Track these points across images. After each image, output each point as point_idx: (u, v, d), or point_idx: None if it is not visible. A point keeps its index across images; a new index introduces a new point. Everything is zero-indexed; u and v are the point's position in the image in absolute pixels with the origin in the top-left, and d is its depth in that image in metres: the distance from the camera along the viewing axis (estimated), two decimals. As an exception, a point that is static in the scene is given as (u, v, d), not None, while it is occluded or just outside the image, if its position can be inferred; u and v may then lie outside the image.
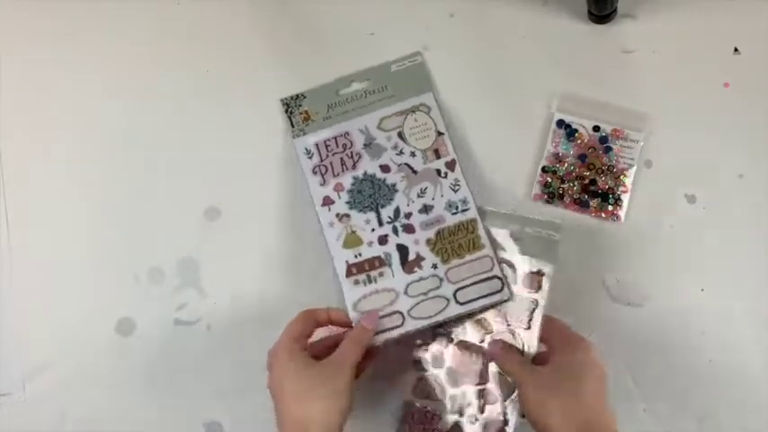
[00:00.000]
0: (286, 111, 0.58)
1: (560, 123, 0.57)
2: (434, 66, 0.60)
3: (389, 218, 0.55)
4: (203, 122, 0.59)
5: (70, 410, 0.56)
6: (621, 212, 0.56)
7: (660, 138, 0.57)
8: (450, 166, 0.56)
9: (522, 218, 0.54)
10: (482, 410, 0.52)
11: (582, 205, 0.57)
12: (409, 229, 0.55)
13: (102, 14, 0.61)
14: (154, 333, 0.56)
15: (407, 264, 0.54)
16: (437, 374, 0.53)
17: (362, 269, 0.54)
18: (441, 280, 0.54)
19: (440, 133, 0.57)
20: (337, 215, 0.55)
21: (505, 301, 0.53)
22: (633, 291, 0.56)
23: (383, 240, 0.55)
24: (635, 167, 0.57)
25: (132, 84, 0.60)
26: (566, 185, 0.57)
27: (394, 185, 0.56)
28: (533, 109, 0.58)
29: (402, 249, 0.55)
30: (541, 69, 0.59)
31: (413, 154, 0.57)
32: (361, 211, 0.56)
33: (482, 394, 0.52)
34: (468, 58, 0.60)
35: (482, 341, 0.53)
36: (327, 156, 0.57)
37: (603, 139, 0.57)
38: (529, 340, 0.51)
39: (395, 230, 0.55)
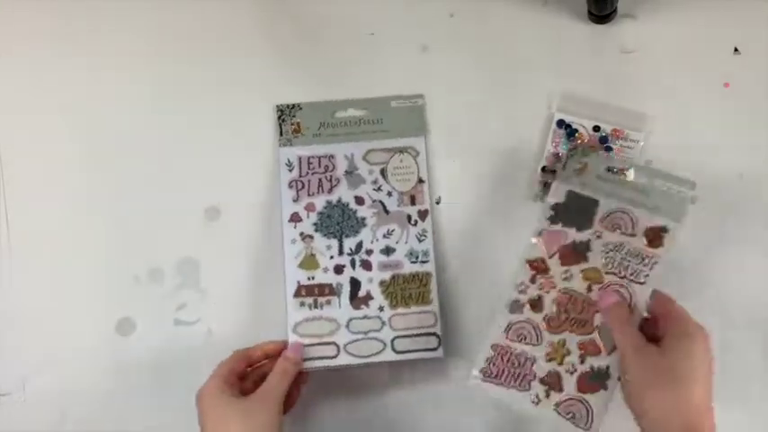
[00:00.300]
0: (279, 117, 0.58)
1: (560, 123, 0.57)
2: (434, 66, 0.60)
3: (351, 249, 0.56)
4: (203, 122, 0.59)
5: (70, 410, 0.56)
6: None
7: (660, 138, 0.57)
8: (423, 215, 0.57)
9: (654, 170, 0.52)
10: (582, 361, 0.50)
11: None
12: (367, 265, 0.56)
13: (103, 14, 0.61)
14: (154, 333, 0.57)
15: (356, 299, 0.55)
16: (535, 319, 0.51)
17: (311, 292, 0.55)
18: (383, 323, 0.55)
19: (421, 180, 0.57)
20: (301, 234, 0.56)
21: (437, 358, 0.55)
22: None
23: (339, 270, 0.56)
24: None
25: (132, 84, 0.60)
26: None
27: (363, 219, 0.56)
28: (533, 109, 0.58)
29: (355, 283, 0.55)
30: (541, 69, 0.59)
31: (389, 193, 0.57)
32: (325, 235, 0.56)
33: (584, 345, 0.50)
34: (468, 58, 0.60)
35: (589, 289, 0.50)
36: (307, 173, 0.57)
37: (603, 139, 0.57)
38: (639, 296, 0.49)
39: (353, 263, 0.56)
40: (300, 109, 0.58)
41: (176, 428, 0.54)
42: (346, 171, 0.57)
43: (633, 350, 0.45)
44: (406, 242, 0.56)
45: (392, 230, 0.56)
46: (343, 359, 0.54)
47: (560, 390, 0.49)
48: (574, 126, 0.57)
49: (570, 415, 0.49)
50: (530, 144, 0.58)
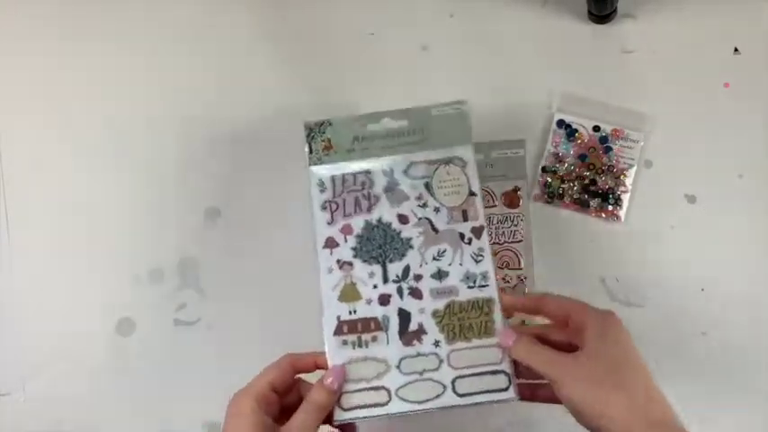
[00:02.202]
0: (308, 135, 0.52)
1: (560, 123, 0.58)
2: (434, 66, 0.60)
3: (397, 276, 0.48)
4: (203, 122, 0.59)
5: (70, 410, 0.55)
6: (621, 212, 0.57)
7: (660, 138, 0.57)
8: (477, 232, 0.49)
9: (488, 144, 0.55)
10: None
11: (582, 205, 0.57)
12: (416, 293, 0.48)
13: (104, 15, 0.61)
14: (154, 333, 0.56)
15: (407, 334, 0.47)
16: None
17: (355, 329, 0.47)
18: (441, 361, 0.46)
19: (472, 193, 0.50)
20: (338, 261, 0.49)
21: (509, 400, 0.45)
22: (633, 291, 0.56)
23: (384, 300, 0.48)
24: (635, 167, 0.57)
25: (132, 84, 0.60)
26: (566, 185, 0.57)
27: (409, 240, 0.49)
28: (533, 109, 0.59)
29: (404, 315, 0.47)
30: (541, 69, 0.59)
31: (437, 210, 0.50)
32: (366, 261, 0.49)
33: None
34: (468, 58, 0.60)
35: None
36: (342, 192, 0.50)
37: (603, 139, 0.57)
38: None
39: (400, 292, 0.48)
40: (330, 125, 0.52)
41: (176, 428, 0.54)
42: (386, 188, 0.50)
43: (561, 370, 0.41)
44: (461, 264, 0.48)
45: (443, 251, 0.49)
46: (396, 406, 0.45)
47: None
48: (574, 126, 0.57)
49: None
50: (530, 144, 0.58)
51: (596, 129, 0.57)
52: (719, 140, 0.57)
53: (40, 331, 0.56)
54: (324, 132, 0.52)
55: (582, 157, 0.57)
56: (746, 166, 0.56)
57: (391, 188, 0.50)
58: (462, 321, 0.47)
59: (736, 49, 0.58)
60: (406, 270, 0.48)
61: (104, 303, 0.56)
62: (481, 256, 0.49)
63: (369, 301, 0.48)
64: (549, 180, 0.57)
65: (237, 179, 0.58)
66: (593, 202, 0.57)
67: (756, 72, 0.57)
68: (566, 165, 0.57)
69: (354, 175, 0.51)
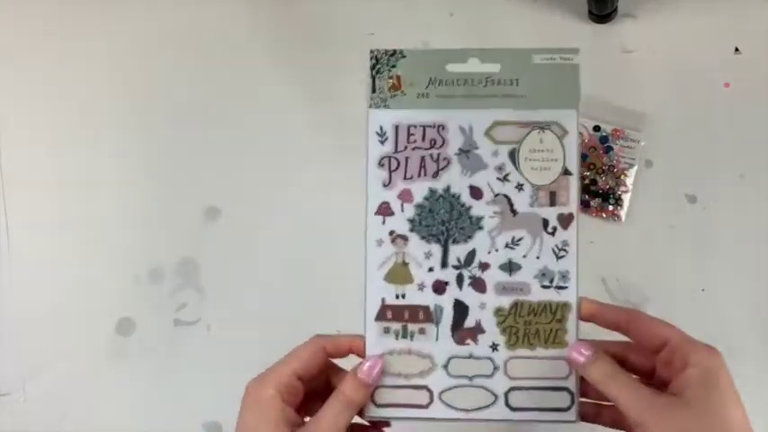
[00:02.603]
0: (373, 67, 0.42)
1: None
2: None
3: (459, 261, 0.40)
4: (203, 122, 0.59)
5: (70, 410, 0.55)
6: (622, 212, 0.56)
7: (661, 138, 0.57)
8: (565, 221, 0.40)
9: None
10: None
11: (582, 205, 0.56)
12: (479, 284, 0.40)
13: (104, 15, 0.61)
14: (154, 333, 0.56)
15: (461, 330, 0.40)
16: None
17: (400, 316, 0.40)
18: (496, 368, 0.40)
19: (567, 172, 0.40)
20: (391, 233, 0.40)
21: (568, 422, 0.39)
22: (633, 291, 0.55)
23: (440, 288, 0.40)
24: (635, 167, 0.57)
25: (132, 83, 0.60)
26: None
27: (480, 220, 0.40)
28: None
29: (460, 309, 0.40)
30: None
31: (520, 187, 0.40)
32: (424, 238, 0.40)
33: None
34: None
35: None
36: (406, 147, 0.41)
37: (604, 139, 0.57)
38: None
39: (459, 280, 0.40)
40: (403, 56, 0.41)
41: (176, 428, 0.54)
42: (461, 149, 0.41)
43: (651, 415, 0.34)
44: (538, 257, 0.40)
45: (519, 239, 0.40)
46: (438, 411, 0.39)
47: None
48: None
49: None
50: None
51: (597, 129, 0.57)
52: (720, 140, 0.56)
53: (39, 331, 0.56)
54: (394, 66, 0.41)
55: (582, 157, 0.57)
56: (747, 166, 0.56)
57: (467, 151, 0.41)
58: (529, 325, 0.40)
59: (736, 49, 0.57)
60: (471, 255, 0.40)
61: (104, 303, 0.56)
62: (565, 251, 0.40)
63: (421, 286, 0.40)
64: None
65: (237, 179, 0.57)
66: (594, 202, 0.56)
67: (757, 72, 0.57)
68: (566, 164, 0.56)
69: (424, 127, 0.41)
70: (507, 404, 0.39)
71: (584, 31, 0.59)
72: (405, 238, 0.40)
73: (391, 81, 0.41)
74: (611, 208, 0.56)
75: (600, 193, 0.56)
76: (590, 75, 0.54)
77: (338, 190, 0.55)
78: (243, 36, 0.60)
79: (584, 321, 0.40)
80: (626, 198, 0.56)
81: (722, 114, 0.57)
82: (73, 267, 0.57)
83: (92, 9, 0.61)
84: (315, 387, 0.40)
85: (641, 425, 0.34)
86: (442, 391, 0.39)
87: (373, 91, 0.41)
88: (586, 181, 0.56)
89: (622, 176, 0.56)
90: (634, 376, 0.37)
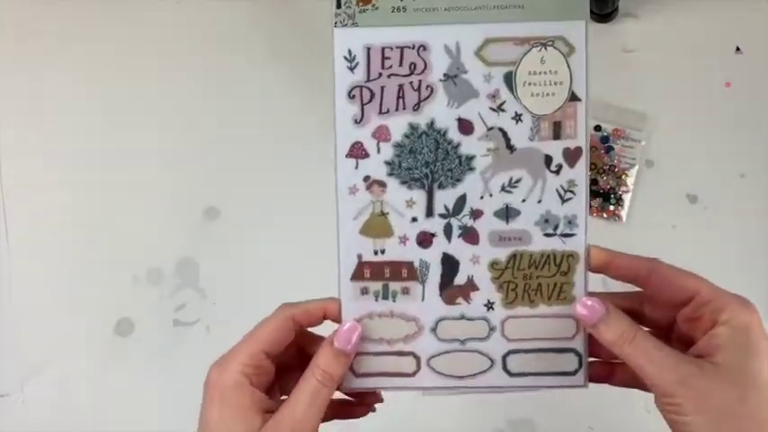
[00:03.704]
0: (336, -25, 0.34)
1: None
2: None
3: (446, 209, 0.34)
4: (203, 122, 0.59)
5: (69, 411, 0.55)
6: (623, 212, 0.56)
7: (662, 137, 0.57)
8: (572, 157, 0.34)
9: None
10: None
11: None
12: (471, 235, 0.34)
13: (104, 15, 0.60)
14: (153, 334, 0.56)
15: (450, 288, 0.34)
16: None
17: (380, 275, 0.34)
18: (492, 329, 0.35)
19: (575, 97, 0.34)
20: (366, 179, 0.34)
21: (576, 387, 0.35)
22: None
23: (425, 240, 0.34)
24: (636, 167, 0.57)
25: (131, 84, 0.59)
26: None
27: (471, 160, 0.34)
28: None
29: (449, 263, 0.34)
30: None
31: (518, 117, 0.34)
32: (405, 183, 0.34)
33: None
34: None
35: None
36: (380, 75, 0.34)
37: (605, 139, 0.57)
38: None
39: (448, 231, 0.34)
40: (373, -38, 0.34)
41: (176, 429, 0.49)
42: (446, 74, 0.34)
43: (680, 383, 0.29)
44: (540, 201, 0.34)
45: (518, 180, 0.34)
46: (426, 379, 0.35)
47: None
48: None
49: None
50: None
51: (597, 128, 0.57)
52: (721, 140, 0.56)
53: (39, 331, 0.56)
54: (362, -26, 0.34)
55: None
56: (748, 166, 0.56)
57: (454, 76, 0.34)
58: (529, 280, 0.34)
59: (737, 49, 0.57)
60: (461, 201, 0.34)
61: (103, 303, 0.56)
62: (571, 192, 0.34)
63: (403, 239, 0.34)
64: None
65: (237, 179, 0.57)
66: (595, 202, 0.56)
67: (758, 71, 0.57)
68: (567, 164, 0.56)
69: (401, 49, 0.34)
70: (505, 369, 0.35)
71: None
72: (382, 185, 0.34)
73: (360, -8, 0.34)
74: (611, 208, 0.56)
75: (601, 193, 0.56)
76: (590, 74, 0.53)
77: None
78: (242, 35, 0.60)
79: (595, 273, 0.34)
80: (627, 198, 0.56)
81: (723, 114, 0.56)
82: (72, 268, 0.56)
83: (91, 9, 0.61)
84: (288, 360, 0.35)
85: (669, 396, 0.29)
86: (431, 357, 0.35)
87: (338, 6, 0.34)
88: None
89: (623, 176, 0.56)
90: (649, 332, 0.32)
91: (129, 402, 0.55)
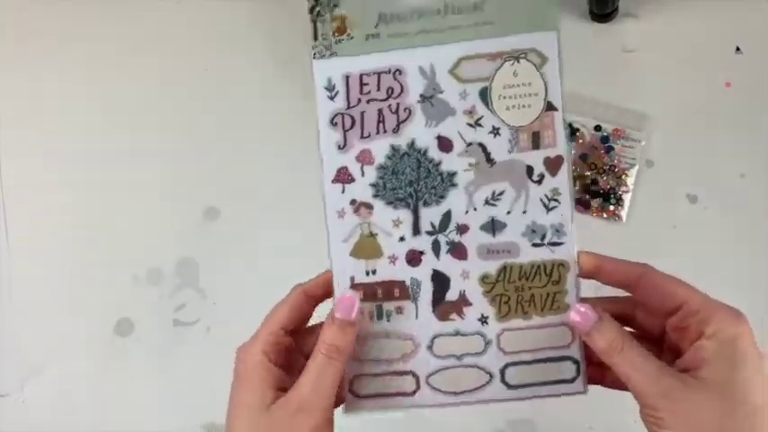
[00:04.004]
0: (311, 10, 0.35)
1: None
2: None
3: (432, 226, 0.35)
4: (203, 122, 0.58)
5: (69, 411, 0.55)
6: (623, 212, 0.56)
7: (662, 137, 0.57)
8: (553, 166, 0.34)
9: None
10: None
11: (583, 205, 0.56)
12: (459, 251, 0.35)
13: (104, 16, 0.60)
14: (153, 334, 0.56)
15: (443, 305, 0.35)
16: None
17: (373, 295, 0.35)
18: (488, 343, 0.35)
19: (551, 107, 0.34)
20: (353, 203, 0.35)
21: (576, 394, 0.34)
22: None
23: (414, 259, 0.35)
24: (636, 167, 0.57)
25: (131, 84, 0.59)
26: None
27: (452, 176, 0.35)
28: None
29: (440, 280, 0.35)
30: None
31: (496, 131, 0.34)
32: (390, 203, 0.35)
33: None
34: None
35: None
36: (359, 101, 0.35)
37: (605, 139, 0.57)
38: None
39: (436, 248, 0.35)
40: (345, -6, 0.35)
41: (175, 429, 0.54)
42: (423, 95, 0.35)
43: (662, 396, 0.29)
44: (525, 211, 0.34)
45: (501, 193, 0.34)
46: (426, 397, 0.35)
47: None
48: (575, 126, 0.57)
49: None
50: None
51: (597, 128, 0.57)
52: (721, 140, 0.56)
53: (39, 331, 0.56)
54: (336, 5, 0.35)
55: (583, 157, 0.57)
56: (748, 166, 0.56)
57: (430, 97, 0.35)
58: (521, 292, 0.34)
59: (737, 49, 0.57)
60: (446, 218, 0.35)
61: (103, 303, 0.56)
62: (556, 201, 0.34)
63: (392, 259, 0.35)
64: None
65: (237, 179, 0.57)
66: (595, 202, 0.56)
67: (758, 71, 0.57)
68: (567, 165, 0.57)
69: (378, 74, 0.35)
70: (504, 382, 0.34)
71: (585, 30, 0.58)
72: (369, 206, 0.35)
73: (335, 24, 0.35)
74: (611, 208, 0.56)
75: (601, 193, 0.56)
76: (591, 74, 0.57)
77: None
78: (242, 34, 0.59)
79: (586, 278, 0.34)
80: (627, 198, 0.56)
81: (723, 114, 0.56)
82: (72, 268, 0.56)
83: (91, 9, 0.61)
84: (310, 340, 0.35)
85: (652, 409, 0.29)
86: (429, 375, 0.35)
87: (315, 38, 0.35)
88: (587, 181, 0.56)
89: (623, 176, 0.56)
90: (638, 342, 0.31)
91: (129, 402, 0.54)
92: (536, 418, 0.51)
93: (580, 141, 0.57)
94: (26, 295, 0.57)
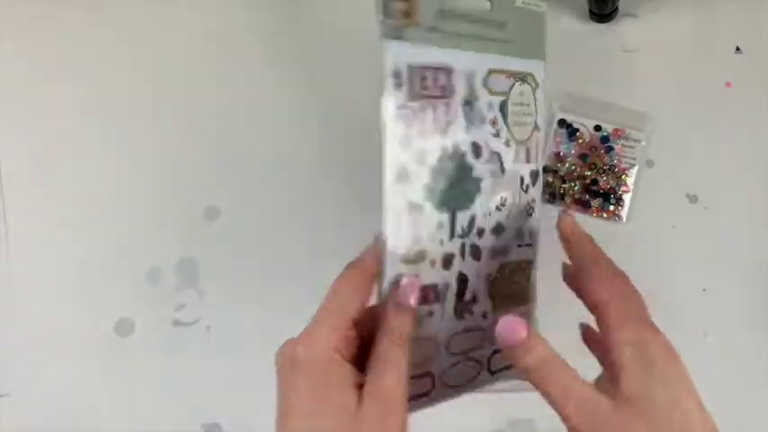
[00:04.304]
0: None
1: (561, 123, 0.57)
2: None
3: (462, 230, 0.35)
4: (203, 122, 0.57)
5: (69, 411, 0.55)
6: (623, 212, 0.57)
7: (662, 137, 0.56)
8: (534, 178, 0.39)
9: None
10: None
11: (583, 205, 0.57)
12: (477, 253, 0.36)
13: (103, 16, 0.59)
14: (153, 334, 0.55)
15: (460, 304, 0.36)
16: None
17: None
18: (485, 337, 0.37)
19: (536, 127, 0.39)
20: (409, 205, 0.32)
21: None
22: None
23: (448, 262, 0.35)
24: (636, 167, 0.57)
25: (131, 84, 0.58)
26: (567, 185, 0.56)
27: (479, 181, 0.36)
28: None
29: (462, 282, 0.36)
30: None
31: (507, 143, 0.37)
32: (437, 206, 0.34)
33: None
34: None
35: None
36: (419, 95, 0.32)
37: (605, 139, 0.57)
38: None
39: (462, 250, 0.35)
40: (411, -21, 0.31)
41: (175, 429, 0.54)
42: (466, 99, 0.34)
43: (586, 417, 0.29)
44: (516, 217, 0.38)
45: (504, 200, 0.37)
46: (438, 395, 0.35)
47: None
48: (575, 126, 0.57)
49: None
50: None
51: (597, 128, 0.57)
52: (721, 140, 0.56)
53: (39, 331, 0.55)
54: (404, -14, 0.31)
55: (583, 157, 0.56)
56: (748, 166, 0.56)
57: (470, 102, 0.35)
58: (508, 288, 0.38)
59: (737, 49, 0.57)
60: (472, 222, 0.35)
61: (103, 303, 0.55)
62: (533, 207, 0.39)
63: (433, 263, 0.34)
64: (551, 180, 0.56)
65: (237, 179, 0.56)
66: (595, 202, 0.56)
67: (758, 71, 0.57)
68: (567, 164, 0.56)
69: (435, 70, 0.33)
70: (489, 369, 0.38)
71: (585, 30, 0.57)
72: (420, 208, 0.33)
73: (404, 6, 0.31)
74: (612, 208, 0.56)
75: (601, 194, 0.56)
76: (591, 74, 0.57)
77: (339, 190, 0.55)
78: (242, 35, 0.58)
79: (561, 241, 0.36)
80: (627, 198, 0.56)
81: (723, 114, 0.56)
82: (72, 268, 0.56)
83: (90, 11, 0.59)
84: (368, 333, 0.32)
85: (574, 430, 0.29)
86: (442, 373, 0.35)
87: (384, 14, 0.30)
88: (587, 181, 0.56)
89: (623, 176, 0.56)
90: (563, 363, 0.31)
91: (129, 402, 0.54)
92: (536, 417, 0.52)
93: (580, 141, 0.56)
94: (26, 295, 0.56)
